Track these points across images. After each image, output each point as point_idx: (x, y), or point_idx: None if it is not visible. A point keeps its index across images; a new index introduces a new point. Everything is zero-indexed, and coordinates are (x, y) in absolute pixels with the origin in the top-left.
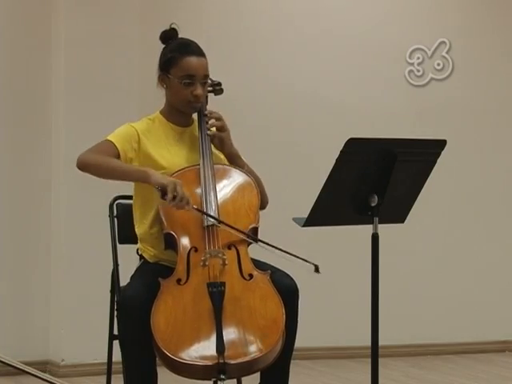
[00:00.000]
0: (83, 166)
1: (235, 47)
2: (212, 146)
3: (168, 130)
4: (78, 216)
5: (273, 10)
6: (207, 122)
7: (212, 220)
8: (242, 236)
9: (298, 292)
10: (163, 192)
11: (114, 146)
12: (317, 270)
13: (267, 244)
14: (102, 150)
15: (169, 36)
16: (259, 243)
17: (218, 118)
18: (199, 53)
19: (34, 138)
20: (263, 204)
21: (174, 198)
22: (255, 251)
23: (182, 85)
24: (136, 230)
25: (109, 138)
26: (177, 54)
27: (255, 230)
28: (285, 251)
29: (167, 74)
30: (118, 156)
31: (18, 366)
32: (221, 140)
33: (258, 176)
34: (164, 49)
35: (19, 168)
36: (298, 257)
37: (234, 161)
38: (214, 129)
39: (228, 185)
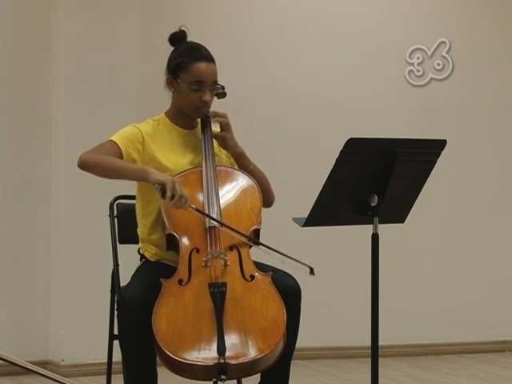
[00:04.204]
0: (84, 165)
1: (235, 48)
2: (215, 146)
3: (172, 132)
4: (78, 216)
5: (273, 11)
6: (212, 116)
7: (214, 222)
8: (242, 238)
9: (301, 293)
10: (163, 191)
11: (117, 146)
12: (312, 272)
13: (265, 246)
14: (104, 150)
15: (178, 38)
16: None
17: (223, 116)
18: (209, 58)
19: (34, 138)
20: (270, 201)
21: (173, 196)
22: (257, 253)
23: (190, 90)
24: (138, 231)
25: (112, 138)
26: (187, 59)
27: (257, 232)
28: (281, 253)
29: (176, 77)
30: (120, 156)
31: (26, 366)
32: (224, 139)
33: (264, 174)
34: (173, 52)
35: (19, 168)
36: (293, 259)
37: (240, 160)
38: (217, 125)
39: (230, 187)
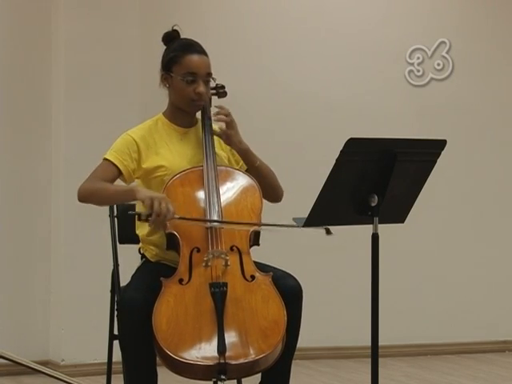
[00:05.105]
0: (83, 198)
1: (235, 48)
2: (217, 145)
3: (171, 131)
4: (77, 216)
5: (273, 11)
6: (215, 115)
7: (213, 224)
8: (244, 227)
9: (302, 293)
10: (138, 214)
11: (113, 164)
12: (328, 232)
13: (270, 225)
14: (100, 175)
15: (171, 37)
16: (265, 228)
17: (227, 114)
18: (201, 51)
19: (34, 139)
20: (278, 196)
21: (151, 214)
22: (257, 253)
23: (184, 82)
24: (137, 231)
25: (106, 156)
26: (179, 52)
27: (257, 233)
28: (289, 225)
29: (170, 72)
30: (119, 173)
31: (33, 367)
32: (228, 137)
33: (270, 169)
34: (166, 49)
35: (19, 168)
36: (300, 226)
37: (246, 156)
38: (221, 124)
39: (231, 187)
